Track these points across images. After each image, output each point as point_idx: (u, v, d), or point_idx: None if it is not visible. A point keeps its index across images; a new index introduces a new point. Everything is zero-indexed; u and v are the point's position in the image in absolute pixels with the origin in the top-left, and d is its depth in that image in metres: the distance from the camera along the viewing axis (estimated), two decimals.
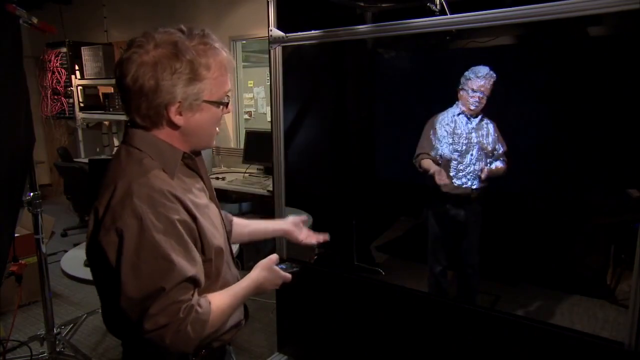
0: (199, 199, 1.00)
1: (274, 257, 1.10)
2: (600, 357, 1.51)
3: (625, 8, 1.24)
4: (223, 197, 4.06)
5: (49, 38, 4.79)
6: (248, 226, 1.34)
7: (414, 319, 1.93)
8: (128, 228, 0.83)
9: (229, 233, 1.29)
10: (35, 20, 1.73)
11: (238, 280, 1.07)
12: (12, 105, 1.75)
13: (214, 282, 0.99)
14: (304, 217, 1.39)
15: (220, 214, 1.10)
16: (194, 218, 0.92)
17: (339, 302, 2.13)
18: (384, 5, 2.54)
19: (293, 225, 1.37)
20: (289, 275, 1.12)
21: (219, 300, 0.96)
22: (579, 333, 1.59)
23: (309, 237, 1.38)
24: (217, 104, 0.96)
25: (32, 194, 2.15)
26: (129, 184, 0.87)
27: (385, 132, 3.22)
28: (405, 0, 2.23)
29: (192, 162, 1.01)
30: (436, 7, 1.58)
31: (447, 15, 1.59)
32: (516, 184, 2.39)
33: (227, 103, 0.98)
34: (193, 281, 0.89)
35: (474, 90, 2.23)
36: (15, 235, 2.22)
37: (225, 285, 1.02)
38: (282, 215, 2.20)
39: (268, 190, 3.33)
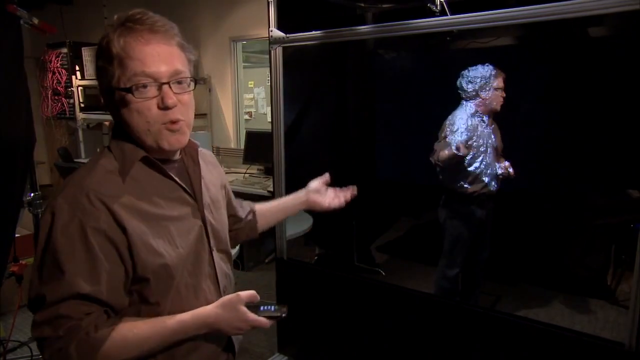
0: (160, 208, 0.86)
1: (245, 294, 0.89)
2: (600, 357, 1.50)
3: (627, 9, 1.24)
4: None
5: (50, 38, 4.79)
6: (269, 211, 1.26)
7: (415, 320, 1.92)
8: (43, 222, 0.80)
9: (241, 231, 1.19)
10: (36, 21, 1.73)
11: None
12: (13, 106, 1.75)
13: (154, 308, 0.85)
14: (324, 178, 1.29)
15: (206, 230, 0.94)
16: (122, 229, 0.80)
17: (340, 302, 2.13)
18: (384, 5, 2.54)
19: (314, 193, 1.26)
20: (262, 321, 0.89)
21: (128, 330, 0.80)
22: (579, 333, 1.59)
23: (335, 199, 1.27)
24: (123, 90, 0.84)
25: (32, 194, 2.15)
26: (67, 181, 0.83)
27: (386, 133, 3.23)
28: (405, 1, 2.23)
29: (165, 169, 0.88)
30: (436, 7, 1.58)
31: (447, 15, 1.59)
32: (516, 184, 2.39)
33: (130, 88, 0.83)
34: (89, 299, 0.78)
35: (497, 89, 2.19)
36: (16, 235, 2.22)
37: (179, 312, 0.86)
38: None
39: (268, 191, 3.33)
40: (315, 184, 1.28)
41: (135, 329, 0.81)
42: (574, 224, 2.69)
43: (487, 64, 2.23)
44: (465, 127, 2.23)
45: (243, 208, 1.23)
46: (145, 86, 0.82)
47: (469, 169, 2.28)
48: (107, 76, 0.83)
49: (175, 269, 0.86)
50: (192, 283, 0.90)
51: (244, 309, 0.88)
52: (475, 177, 2.29)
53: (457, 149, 2.11)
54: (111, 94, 0.84)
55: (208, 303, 0.90)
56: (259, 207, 1.27)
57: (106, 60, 0.82)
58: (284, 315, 0.92)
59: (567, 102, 2.50)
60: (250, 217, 1.24)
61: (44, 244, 0.79)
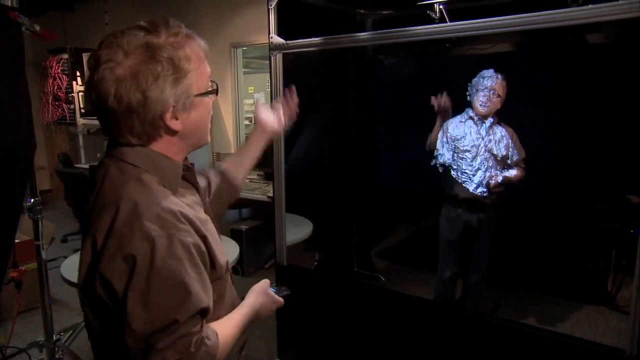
0: (200, 214, 0.92)
1: (267, 281, 1.06)
2: None
3: (626, 16, 1.24)
4: None
5: (51, 44, 4.81)
6: (241, 162, 1.26)
7: (415, 326, 1.92)
8: (139, 253, 0.74)
9: (219, 192, 1.17)
10: (37, 28, 1.74)
11: (237, 298, 1.02)
12: (14, 112, 1.76)
13: (220, 302, 0.92)
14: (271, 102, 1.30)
15: (215, 226, 1.00)
16: (204, 238, 0.85)
17: (339, 308, 2.13)
18: (384, 12, 2.56)
19: (265, 122, 1.26)
20: (281, 300, 1.07)
21: (223, 331, 0.88)
22: (579, 340, 1.59)
23: (284, 113, 1.30)
24: (207, 93, 0.88)
25: (32, 200, 2.15)
26: (134, 204, 0.77)
27: (386, 138, 3.23)
28: (405, 8, 2.25)
29: (189, 173, 0.94)
30: (436, 14, 1.59)
31: (446, 22, 1.60)
32: (516, 189, 2.39)
33: (216, 89, 0.90)
34: (204, 312, 0.80)
35: (481, 90, 2.24)
36: (16, 241, 2.22)
37: (232, 304, 0.97)
38: (283, 223, 2.20)
39: (268, 196, 3.33)
40: (262, 113, 1.28)
41: (226, 330, 0.89)
42: (573, 230, 2.69)
43: (487, 69, 2.25)
44: (448, 127, 2.33)
45: (210, 175, 1.20)
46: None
47: (452, 172, 2.35)
48: (179, 89, 0.82)
49: (228, 262, 0.96)
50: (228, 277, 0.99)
51: (272, 292, 1.04)
52: (455, 180, 2.34)
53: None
54: (180, 105, 0.83)
55: (234, 292, 1.01)
56: (228, 167, 1.25)
57: (179, 76, 0.81)
58: (289, 292, 1.11)
59: (566, 107, 2.50)
60: (218, 178, 1.21)
61: (147, 272, 0.74)
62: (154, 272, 0.74)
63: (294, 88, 1.35)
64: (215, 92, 0.90)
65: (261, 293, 1.02)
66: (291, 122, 1.34)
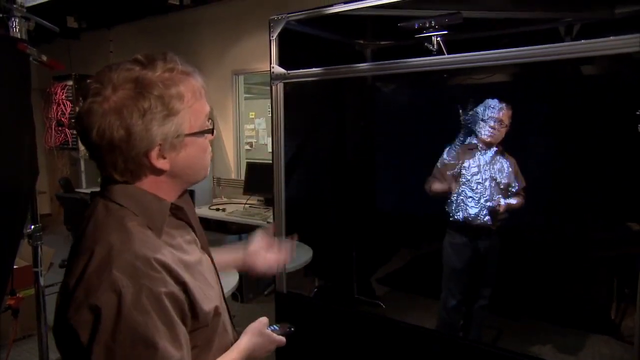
0: (190, 254, 0.87)
1: (264, 319, 1.00)
2: None
3: (625, 51, 1.27)
4: (223, 228, 4.05)
5: (56, 72, 4.90)
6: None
7: (416, 355, 1.89)
8: (104, 305, 0.70)
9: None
10: (44, 58, 1.78)
11: (236, 339, 0.96)
12: (18, 139, 1.78)
13: (207, 348, 0.87)
14: (268, 232, 1.19)
15: (214, 265, 0.96)
16: (183, 285, 0.79)
17: (340, 336, 2.10)
18: (382, 42, 2.62)
19: (252, 255, 1.15)
20: (282, 339, 1.02)
21: None
22: None
23: (274, 261, 1.17)
24: (201, 133, 0.83)
25: (33, 226, 2.15)
26: (108, 250, 0.74)
27: (386, 164, 3.25)
28: (403, 39, 2.31)
29: (181, 212, 0.89)
30: (433, 47, 1.63)
31: (444, 54, 1.64)
32: (518, 217, 2.39)
33: (212, 129, 0.86)
34: None
35: (486, 120, 2.26)
36: (14, 266, 2.21)
37: (223, 350, 0.90)
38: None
39: (268, 222, 3.33)
40: (255, 244, 1.17)
41: None
42: (575, 258, 2.68)
43: (490, 99, 2.29)
44: (450, 156, 2.33)
45: None
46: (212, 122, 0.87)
47: (453, 198, 2.35)
48: (167, 128, 0.78)
49: (219, 307, 0.89)
50: (223, 319, 0.92)
51: (269, 331, 0.99)
52: (459, 207, 2.33)
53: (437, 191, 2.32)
54: (168, 144, 0.79)
55: (230, 337, 0.95)
56: None
57: (168, 114, 0.78)
58: (292, 329, 1.05)
59: (566, 136, 2.53)
60: None
61: (112, 325, 0.70)
62: (118, 327, 0.70)
63: (296, 237, 1.28)
64: (211, 131, 0.85)
65: (255, 334, 0.96)
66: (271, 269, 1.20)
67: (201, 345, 0.84)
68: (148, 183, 0.82)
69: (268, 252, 1.18)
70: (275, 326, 1.04)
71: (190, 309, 0.80)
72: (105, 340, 0.70)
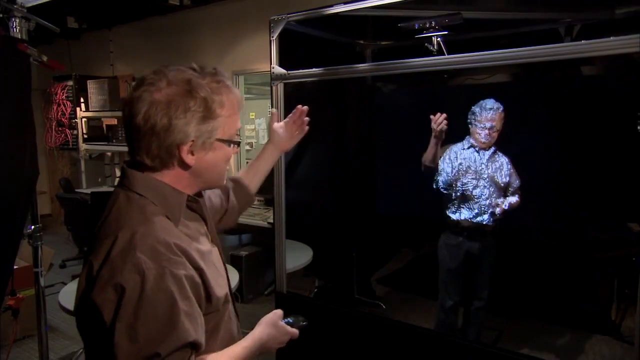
0: (203, 245, 0.94)
1: (279, 312, 1.04)
2: None
3: (625, 51, 1.26)
4: None
5: (57, 72, 4.90)
6: (253, 172, 1.31)
7: (415, 355, 1.89)
8: (128, 284, 0.75)
9: (227, 214, 1.21)
10: (45, 59, 1.79)
11: (240, 330, 1.00)
12: (19, 140, 1.79)
13: (214, 335, 0.91)
14: (274, 116, 1.37)
15: (222, 257, 1.03)
16: (199, 271, 0.85)
17: (340, 337, 2.09)
18: (382, 43, 2.62)
19: (277, 137, 1.34)
20: (296, 331, 1.04)
21: None
22: None
23: (295, 128, 1.37)
24: (229, 142, 0.92)
25: (33, 227, 2.15)
26: (131, 235, 0.80)
27: (386, 165, 3.25)
28: (403, 39, 2.31)
29: (196, 205, 0.96)
30: (433, 47, 1.63)
31: (444, 54, 1.64)
32: (517, 217, 2.39)
33: (239, 142, 0.95)
34: (193, 346, 0.81)
35: (481, 123, 2.25)
36: (14, 267, 2.21)
37: (228, 337, 0.95)
38: (283, 250, 2.19)
39: (268, 222, 3.33)
40: (275, 127, 1.35)
41: None
42: (575, 258, 2.67)
43: (487, 99, 2.28)
44: (452, 156, 2.32)
45: (222, 198, 1.23)
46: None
47: (453, 199, 2.34)
48: (204, 127, 0.87)
49: (228, 295, 0.96)
50: (230, 308, 0.98)
51: (282, 323, 1.02)
52: (459, 207, 2.32)
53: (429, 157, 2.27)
54: (200, 142, 0.87)
55: (235, 324, 1.00)
56: (240, 173, 1.32)
57: (208, 116, 0.87)
58: (306, 323, 1.08)
59: (566, 136, 2.53)
60: (232, 183, 1.26)
61: (135, 303, 0.75)
62: (141, 304, 0.75)
63: (305, 108, 1.40)
64: (238, 144, 0.95)
65: (269, 325, 1.00)
66: (300, 138, 1.41)
67: (209, 330, 0.88)
68: (171, 175, 0.89)
69: (286, 126, 1.36)
70: (289, 319, 1.06)
71: (205, 293, 0.86)
72: (128, 317, 0.75)
